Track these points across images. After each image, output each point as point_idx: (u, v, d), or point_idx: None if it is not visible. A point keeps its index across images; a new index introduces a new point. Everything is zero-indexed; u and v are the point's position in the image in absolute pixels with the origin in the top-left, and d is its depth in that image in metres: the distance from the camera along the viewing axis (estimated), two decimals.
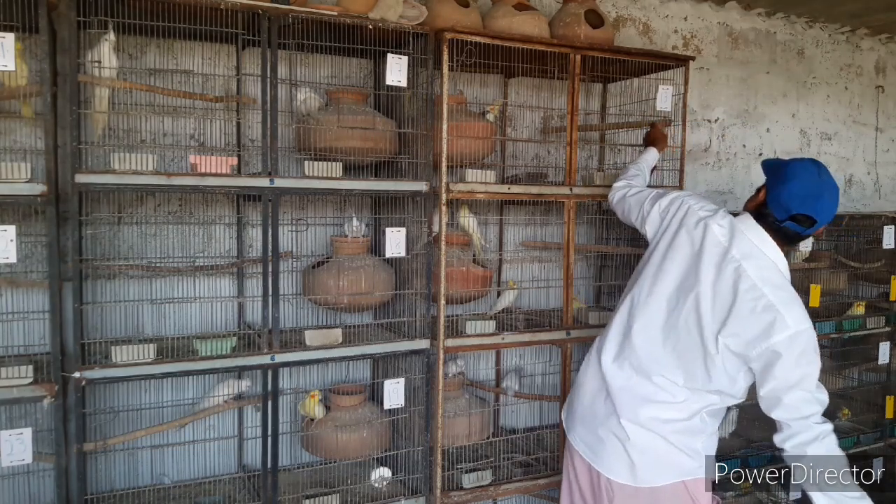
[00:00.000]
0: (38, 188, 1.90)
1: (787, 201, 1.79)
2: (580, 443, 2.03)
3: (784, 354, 1.72)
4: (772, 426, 1.89)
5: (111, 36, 2.05)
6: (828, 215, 1.80)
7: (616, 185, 2.39)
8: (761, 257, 1.81)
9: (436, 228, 2.43)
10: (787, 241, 1.85)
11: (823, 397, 1.80)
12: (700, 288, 1.85)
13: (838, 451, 1.79)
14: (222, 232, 2.55)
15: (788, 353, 1.72)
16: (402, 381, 2.42)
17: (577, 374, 2.14)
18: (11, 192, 1.87)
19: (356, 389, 2.54)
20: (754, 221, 1.86)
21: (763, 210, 1.85)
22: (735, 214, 1.95)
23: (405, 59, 2.33)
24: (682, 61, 2.82)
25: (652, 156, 2.59)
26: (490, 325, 2.59)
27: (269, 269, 2.21)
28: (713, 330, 1.81)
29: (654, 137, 2.67)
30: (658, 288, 1.95)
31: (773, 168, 1.89)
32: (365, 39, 2.41)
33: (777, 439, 1.82)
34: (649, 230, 2.11)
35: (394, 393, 2.40)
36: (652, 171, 2.60)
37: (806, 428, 1.77)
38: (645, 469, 1.88)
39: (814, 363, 1.76)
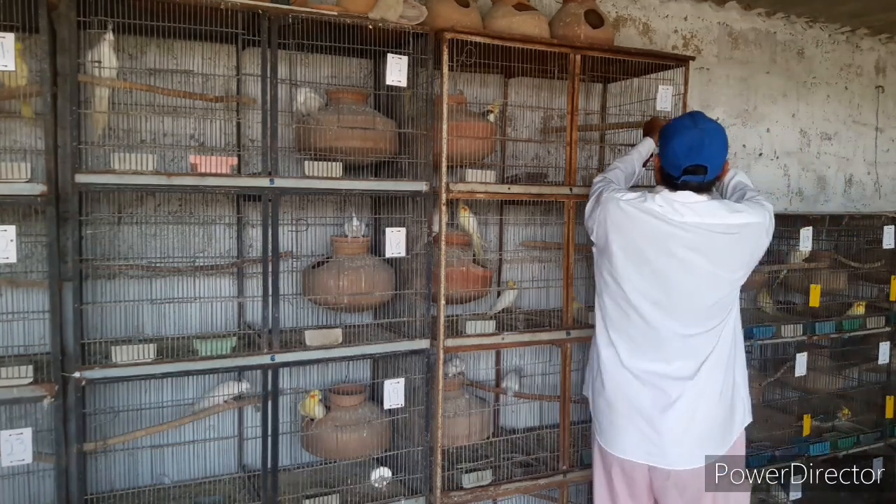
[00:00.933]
0: (38, 188, 1.90)
1: (674, 159, 1.95)
2: (643, 453, 2.02)
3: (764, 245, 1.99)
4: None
5: (110, 36, 2.04)
6: (716, 158, 1.96)
7: (594, 179, 2.33)
8: (707, 207, 1.94)
9: (436, 228, 2.43)
10: (698, 191, 1.97)
11: None
12: (691, 264, 1.93)
13: None
14: (222, 232, 2.55)
15: (766, 241, 1.99)
16: (402, 381, 2.42)
17: (605, 393, 2.09)
18: (11, 192, 1.87)
19: (356, 389, 2.54)
20: (672, 191, 1.98)
21: (664, 173, 2.01)
22: (649, 189, 2.09)
23: (405, 59, 2.33)
24: (682, 61, 2.82)
25: (646, 146, 2.52)
26: (490, 325, 2.59)
27: (269, 269, 2.21)
28: (729, 279, 1.97)
29: (653, 126, 2.60)
30: (651, 286, 1.99)
31: (661, 133, 2.04)
32: (365, 39, 2.41)
33: None
34: (595, 240, 2.13)
35: (394, 393, 2.40)
36: (646, 161, 2.53)
37: None
38: (718, 437, 1.99)
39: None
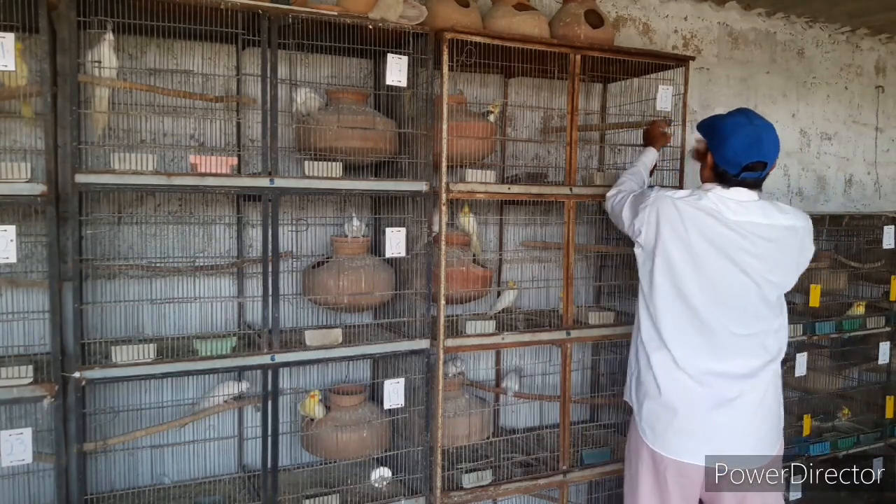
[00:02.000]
0: (38, 188, 1.90)
1: (734, 157, 1.96)
2: (701, 455, 2.01)
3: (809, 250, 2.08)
4: None
5: (110, 36, 2.04)
6: (774, 152, 1.99)
7: (608, 194, 2.39)
8: (759, 206, 1.99)
9: (436, 228, 2.43)
10: (750, 188, 2.02)
11: None
12: (744, 264, 1.97)
13: None
14: (222, 232, 2.55)
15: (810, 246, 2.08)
16: (402, 381, 2.42)
17: (661, 397, 2.05)
18: (11, 192, 1.87)
19: (356, 389, 2.54)
20: (725, 188, 2.01)
21: (717, 171, 2.02)
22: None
23: (405, 59, 2.33)
24: (682, 61, 2.82)
25: (650, 156, 2.57)
26: (490, 325, 2.59)
27: (269, 269, 2.21)
28: (777, 282, 2.01)
29: (652, 136, 2.65)
30: (722, 282, 2.00)
31: (709, 131, 2.06)
32: (365, 39, 2.41)
33: None
34: (643, 241, 2.12)
35: (394, 393, 2.40)
36: (651, 171, 2.58)
37: None
38: (773, 438, 2.07)
39: None
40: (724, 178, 2.00)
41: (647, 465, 2.10)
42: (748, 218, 1.97)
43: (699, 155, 2.14)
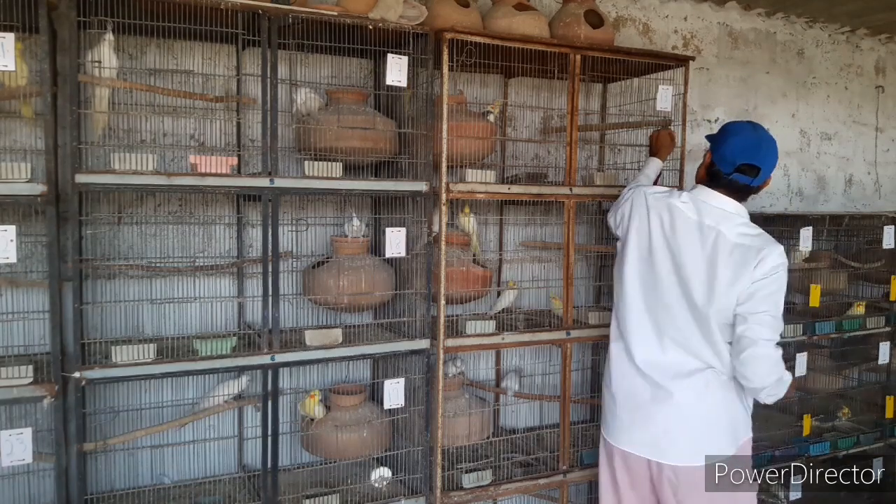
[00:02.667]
0: (38, 188, 1.90)
1: (731, 155, 1.97)
2: (640, 446, 2.04)
3: (767, 283, 1.89)
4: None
5: (110, 36, 2.05)
6: (770, 163, 1.98)
7: (609, 214, 2.40)
8: (729, 217, 1.98)
9: (436, 228, 2.43)
10: (739, 194, 2.01)
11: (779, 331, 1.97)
12: (691, 263, 1.97)
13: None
14: (222, 232, 2.55)
15: (771, 282, 1.89)
16: (402, 381, 2.42)
17: (610, 386, 2.13)
18: (11, 192, 1.87)
19: (356, 389, 2.53)
20: (708, 189, 2.02)
21: (711, 169, 2.03)
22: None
23: (405, 59, 2.33)
24: (682, 61, 2.82)
25: (653, 168, 2.56)
26: (490, 325, 2.59)
27: (269, 269, 2.21)
28: (715, 291, 1.93)
29: (658, 145, 2.64)
30: (662, 278, 2.03)
31: (714, 135, 2.08)
32: (365, 39, 2.41)
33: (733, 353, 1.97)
34: (620, 234, 2.20)
35: (394, 393, 2.40)
36: (656, 180, 2.56)
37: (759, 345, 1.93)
38: (714, 439, 1.98)
39: (783, 293, 1.95)
40: (717, 177, 2.00)
41: (602, 451, 2.20)
42: (708, 221, 1.97)
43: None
